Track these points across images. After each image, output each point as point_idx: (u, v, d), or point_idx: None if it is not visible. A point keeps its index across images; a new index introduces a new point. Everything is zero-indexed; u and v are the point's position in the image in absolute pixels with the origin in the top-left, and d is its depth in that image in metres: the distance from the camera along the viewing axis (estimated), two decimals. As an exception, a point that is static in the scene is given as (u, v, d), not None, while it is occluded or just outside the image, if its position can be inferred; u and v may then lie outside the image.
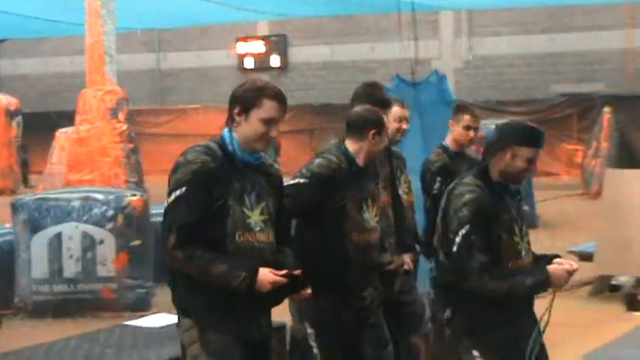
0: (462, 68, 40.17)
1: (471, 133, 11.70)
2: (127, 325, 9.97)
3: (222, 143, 7.13)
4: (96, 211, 16.61)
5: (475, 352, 7.53)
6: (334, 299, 8.12)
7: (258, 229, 7.09)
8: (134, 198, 17.20)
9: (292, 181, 8.63)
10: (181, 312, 7.09)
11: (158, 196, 19.90)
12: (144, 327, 9.63)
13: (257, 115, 7.08)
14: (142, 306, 15.25)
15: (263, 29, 42.63)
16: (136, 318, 10.48)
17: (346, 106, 9.46)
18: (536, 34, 39.96)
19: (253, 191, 7.13)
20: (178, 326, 7.13)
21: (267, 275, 6.91)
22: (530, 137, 7.60)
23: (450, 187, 7.87)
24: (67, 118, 27.96)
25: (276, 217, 7.30)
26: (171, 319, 9.79)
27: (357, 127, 9.00)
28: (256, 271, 6.89)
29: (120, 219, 16.53)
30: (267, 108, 7.11)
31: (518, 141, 7.49)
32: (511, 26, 39.99)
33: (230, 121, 7.23)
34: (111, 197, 17.08)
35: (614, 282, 16.61)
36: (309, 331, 8.57)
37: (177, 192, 6.93)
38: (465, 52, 41.72)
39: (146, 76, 43.21)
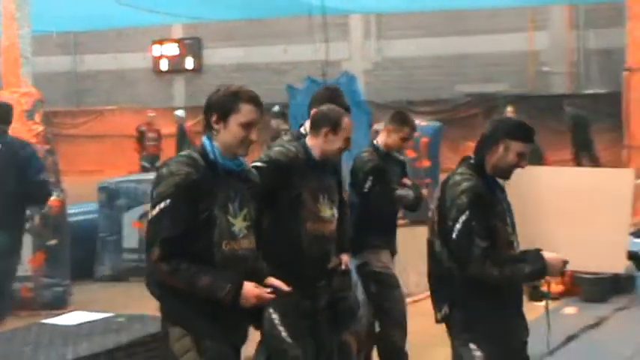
0: (372, 69, 40.28)
1: (406, 144, 12.10)
2: (44, 324, 9.92)
3: (203, 152, 7.05)
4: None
5: (473, 346, 7.60)
6: (291, 287, 7.83)
7: (241, 235, 7.09)
8: (51, 198, 17.14)
9: (250, 165, 8.52)
10: (170, 321, 7.04)
11: (75, 197, 19.89)
12: (61, 325, 9.59)
13: (236, 120, 7.02)
14: (59, 304, 15.22)
15: (178, 32, 42.59)
16: (53, 316, 10.42)
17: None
18: (442, 36, 40.19)
19: (236, 198, 7.11)
20: (166, 336, 7.07)
21: (252, 290, 6.95)
22: (522, 132, 7.91)
23: (444, 179, 7.96)
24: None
25: (256, 222, 7.36)
26: (88, 316, 9.80)
27: (314, 124, 9.17)
28: (241, 285, 6.90)
29: (37, 219, 16.44)
30: (245, 112, 7.06)
31: (511, 135, 7.76)
32: (419, 29, 40.18)
33: (208, 130, 7.12)
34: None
35: (518, 275, 16.77)
36: (274, 316, 8.76)
37: (162, 204, 6.84)
38: (374, 54, 41.84)
39: (63, 78, 42.98)
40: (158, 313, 7.10)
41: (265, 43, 39.48)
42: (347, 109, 10.02)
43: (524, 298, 15.69)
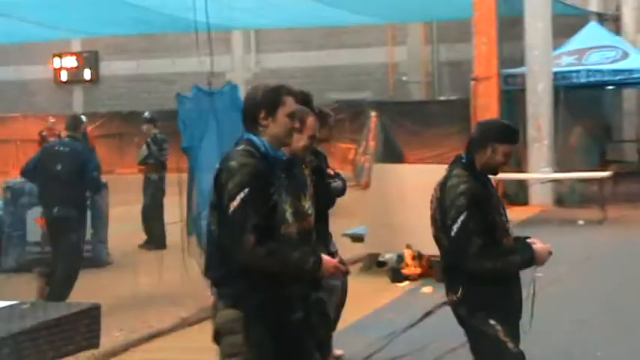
0: (252, 79, 40.20)
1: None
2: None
3: (253, 146, 7.00)
4: None
5: (492, 321, 7.61)
6: None
7: (303, 216, 7.11)
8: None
9: None
10: (229, 303, 6.94)
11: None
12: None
13: (283, 112, 7.03)
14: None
15: (76, 46, 42.23)
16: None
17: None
18: (314, 50, 40.29)
19: (290, 184, 7.08)
20: (216, 314, 7.01)
21: (330, 261, 7.04)
22: (507, 135, 7.76)
23: (441, 180, 7.93)
24: None
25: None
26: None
27: None
28: (321, 257, 6.95)
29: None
30: (289, 103, 7.09)
31: (497, 139, 7.61)
32: (293, 44, 40.27)
33: (255, 127, 7.10)
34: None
35: (380, 259, 16.86)
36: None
37: (242, 194, 6.73)
38: (253, 66, 41.87)
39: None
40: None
41: (156, 57, 39.38)
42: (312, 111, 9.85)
43: (387, 280, 15.93)
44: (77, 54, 42.16)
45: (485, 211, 7.62)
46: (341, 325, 13.28)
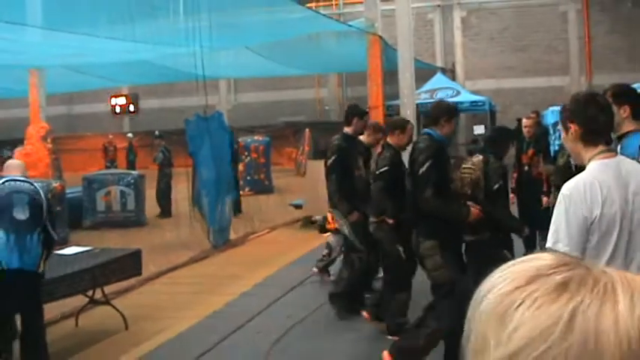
0: (232, 109, 39.94)
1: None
2: (55, 253, 9.73)
3: (431, 137, 7.04)
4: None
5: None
6: None
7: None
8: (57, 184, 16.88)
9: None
10: (427, 235, 6.88)
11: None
12: (64, 254, 9.43)
13: (456, 120, 7.34)
14: (63, 243, 14.84)
15: (125, 90, 41.93)
16: (61, 249, 10.24)
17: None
18: (270, 90, 40.04)
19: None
20: (420, 243, 6.93)
21: (475, 208, 7.09)
22: (452, 112, 7.30)
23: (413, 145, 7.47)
24: None
25: None
26: (80, 249, 9.66)
27: (398, 126, 8.77)
28: (469, 208, 7.05)
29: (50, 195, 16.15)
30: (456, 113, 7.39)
31: (446, 115, 7.16)
32: (257, 87, 40.04)
33: (434, 125, 7.13)
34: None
35: (313, 219, 16.84)
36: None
37: (428, 163, 6.74)
38: (232, 101, 41.57)
39: (62, 119, 42.07)
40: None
41: (173, 96, 39.05)
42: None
43: (317, 233, 15.85)
44: (125, 95, 41.67)
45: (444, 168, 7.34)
46: (288, 260, 13.39)
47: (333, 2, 37.33)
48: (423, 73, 29.84)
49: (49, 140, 22.08)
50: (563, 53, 35.17)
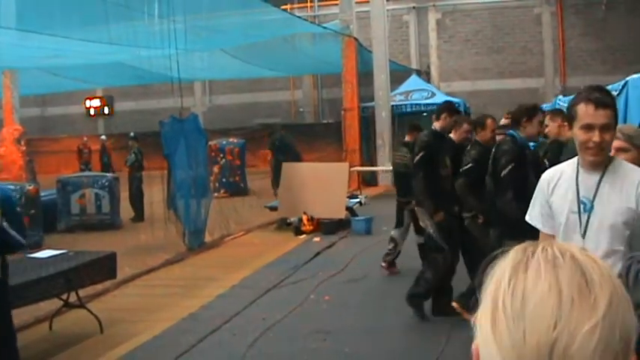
0: (207, 111, 39.90)
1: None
2: (29, 256, 9.69)
3: (513, 138, 7.07)
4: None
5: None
6: None
7: None
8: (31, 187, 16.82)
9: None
10: (512, 237, 6.79)
11: None
12: (38, 257, 9.40)
13: (537, 119, 7.19)
14: (37, 246, 14.81)
15: (100, 93, 41.73)
16: (35, 252, 10.20)
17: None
18: (245, 92, 39.96)
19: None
20: (503, 244, 6.81)
21: None
22: (531, 112, 7.21)
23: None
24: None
25: None
26: (54, 252, 9.62)
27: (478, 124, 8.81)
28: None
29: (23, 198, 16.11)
30: (538, 115, 7.29)
31: (525, 116, 7.13)
32: (231, 88, 39.91)
33: (515, 126, 7.18)
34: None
35: (288, 221, 16.85)
36: None
37: (510, 166, 6.83)
38: (207, 103, 41.47)
39: (35, 121, 41.82)
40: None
41: (148, 98, 38.88)
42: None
43: (292, 235, 15.86)
44: (100, 97, 41.48)
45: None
46: (263, 261, 13.41)
47: (308, 4, 37.33)
48: (398, 75, 29.94)
49: (22, 142, 21.97)
50: (537, 55, 35.42)
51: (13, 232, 7.09)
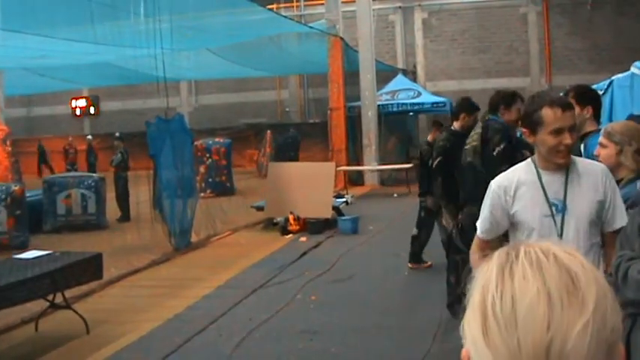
0: (193, 111, 39.81)
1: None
2: (15, 257, 9.69)
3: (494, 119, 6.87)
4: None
5: None
6: None
7: None
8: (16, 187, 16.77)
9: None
10: None
11: None
12: (24, 258, 9.39)
13: (516, 106, 6.87)
14: (23, 247, 14.78)
15: (85, 93, 41.57)
16: (21, 253, 10.18)
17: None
18: (231, 92, 39.94)
19: None
20: None
21: None
22: (471, 106, 7.23)
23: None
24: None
25: None
26: (40, 253, 9.60)
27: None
28: None
29: (9, 199, 16.07)
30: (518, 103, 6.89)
31: (466, 110, 7.21)
32: (218, 89, 39.88)
33: (494, 112, 6.91)
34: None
35: (274, 221, 16.84)
36: None
37: (502, 145, 6.62)
38: (193, 103, 41.40)
39: (21, 121, 41.65)
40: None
41: (133, 98, 38.74)
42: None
43: (278, 234, 15.86)
44: (86, 97, 41.40)
45: None
46: (249, 261, 13.41)
47: (294, 4, 37.33)
48: (385, 75, 30.00)
49: (7, 143, 21.89)
50: (523, 55, 35.54)
51: None
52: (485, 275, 1.15)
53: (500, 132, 6.77)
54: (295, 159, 28.86)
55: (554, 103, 3.79)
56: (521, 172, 4.00)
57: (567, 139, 3.77)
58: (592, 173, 3.95)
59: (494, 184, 4.06)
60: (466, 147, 7.08)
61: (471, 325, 1.12)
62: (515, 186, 3.96)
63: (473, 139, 7.08)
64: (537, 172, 3.93)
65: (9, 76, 24.52)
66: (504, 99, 7.06)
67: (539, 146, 3.90)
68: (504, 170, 6.44)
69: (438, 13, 36.62)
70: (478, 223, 4.13)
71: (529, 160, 3.99)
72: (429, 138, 11.95)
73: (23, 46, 16.25)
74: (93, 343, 8.64)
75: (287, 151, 30.09)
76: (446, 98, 29.36)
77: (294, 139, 29.01)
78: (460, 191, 7.71)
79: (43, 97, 39.95)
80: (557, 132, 3.77)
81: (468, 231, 8.31)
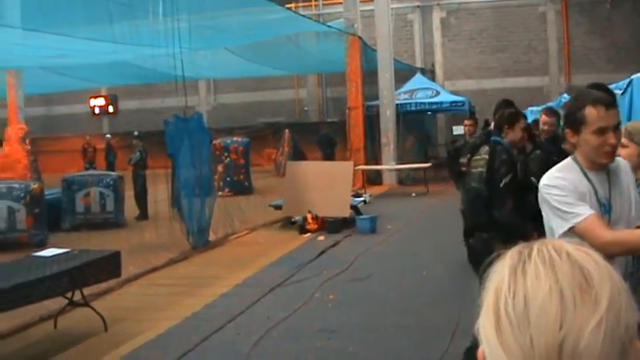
0: (211, 110, 39.91)
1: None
2: (34, 255, 9.73)
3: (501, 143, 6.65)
4: (15, 192, 16.23)
5: None
6: None
7: None
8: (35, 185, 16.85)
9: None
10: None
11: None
12: (43, 255, 9.42)
13: (519, 125, 6.77)
14: (42, 245, 14.83)
15: (104, 92, 41.64)
16: (39, 251, 10.22)
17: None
18: (249, 91, 40.02)
19: None
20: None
21: None
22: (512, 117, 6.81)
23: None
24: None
25: None
26: (59, 251, 9.63)
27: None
28: None
29: (28, 197, 16.16)
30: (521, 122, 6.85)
31: (508, 122, 6.73)
32: (236, 88, 39.97)
33: (499, 133, 6.68)
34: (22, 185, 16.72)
35: (292, 220, 16.83)
36: None
37: (509, 176, 6.40)
38: (212, 102, 41.49)
39: (39, 119, 41.87)
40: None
41: (152, 97, 38.88)
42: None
43: (296, 233, 15.85)
44: (104, 96, 41.55)
45: None
46: (267, 260, 13.39)
47: (313, 3, 37.32)
48: (403, 74, 29.96)
49: (27, 141, 22.02)
50: (542, 54, 35.39)
51: None
52: (498, 275, 1.14)
53: (506, 163, 6.66)
54: (332, 156, 29.10)
55: (598, 102, 3.65)
56: (566, 172, 3.82)
57: (612, 139, 3.64)
58: (624, 170, 3.87)
59: (557, 179, 3.78)
60: (472, 170, 6.94)
61: (485, 323, 1.12)
62: (574, 182, 3.76)
63: (479, 164, 6.88)
64: (584, 172, 3.79)
65: (28, 75, 24.67)
66: (508, 118, 6.94)
67: (582, 146, 3.75)
68: (509, 203, 6.48)
69: (457, 12, 36.53)
70: (576, 212, 3.69)
71: (570, 160, 3.84)
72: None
73: (42, 45, 16.30)
74: (111, 341, 8.64)
75: (325, 149, 30.79)
76: (464, 97, 29.27)
77: (330, 137, 29.97)
78: (468, 215, 7.35)
79: (62, 96, 40.11)
80: (601, 131, 3.64)
81: (479, 254, 8.16)
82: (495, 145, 6.84)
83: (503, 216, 6.57)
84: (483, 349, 1.13)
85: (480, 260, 8.11)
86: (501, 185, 6.57)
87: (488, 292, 1.14)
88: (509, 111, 7.13)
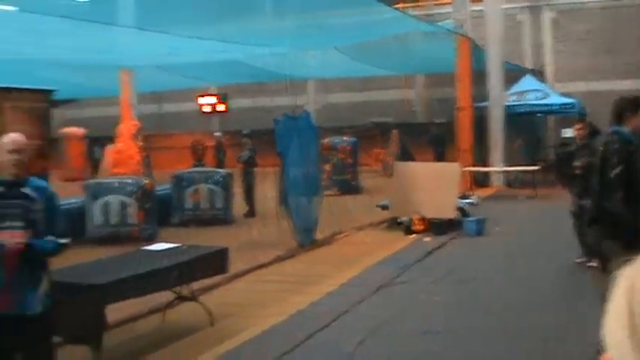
0: (320, 109, 39.98)
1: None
2: (144, 249, 9.88)
3: (620, 133, 6.40)
4: (127, 188, 16.60)
5: None
6: None
7: None
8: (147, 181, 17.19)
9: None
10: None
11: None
12: (153, 250, 9.56)
13: None
14: (152, 239, 15.10)
15: (214, 90, 42.14)
16: (149, 245, 10.38)
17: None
18: (358, 91, 40.03)
19: None
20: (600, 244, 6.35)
21: None
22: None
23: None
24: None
25: None
26: (168, 246, 9.76)
27: None
28: None
29: (139, 192, 16.49)
30: None
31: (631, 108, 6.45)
32: (344, 87, 40.06)
33: (619, 121, 6.42)
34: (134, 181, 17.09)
35: (399, 220, 16.70)
36: None
37: (617, 170, 6.21)
38: (321, 101, 41.64)
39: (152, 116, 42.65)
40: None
41: (262, 96, 39.24)
42: None
43: (402, 234, 15.72)
44: (215, 94, 42.14)
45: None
46: (373, 260, 13.31)
47: (421, 3, 37.07)
48: (511, 75, 29.44)
49: (139, 138, 22.46)
50: (656, 55, 34.28)
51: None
52: (627, 278, 1.10)
53: (618, 153, 6.36)
54: (443, 155, 29.27)
55: None
56: None
57: None
58: None
59: None
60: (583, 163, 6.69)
61: (614, 329, 1.07)
62: None
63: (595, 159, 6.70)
64: None
65: (140, 74, 25.21)
66: (631, 103, 6.62)
67: None
68: (620, 194, 6.22)
69: (567, 13, 35.72)
70: None
71: None
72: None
73: (154, 44, 16.61)
74: (216, 336, 8.70)
75: (437, 148, 31.03)
76: (575, 99, 28.58)
77: (441, 137, 29.98)
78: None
79: (173, 94, 40.87)
80: None
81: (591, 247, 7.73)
82: (612, 135, 6.58)
83: (613, 206, 6.29)
84: (610, 354, 1.07)
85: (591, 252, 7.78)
86: (612, 176, 6.30)
87: (617, 297, 1.09)
88: (632, 96, 6.83)
